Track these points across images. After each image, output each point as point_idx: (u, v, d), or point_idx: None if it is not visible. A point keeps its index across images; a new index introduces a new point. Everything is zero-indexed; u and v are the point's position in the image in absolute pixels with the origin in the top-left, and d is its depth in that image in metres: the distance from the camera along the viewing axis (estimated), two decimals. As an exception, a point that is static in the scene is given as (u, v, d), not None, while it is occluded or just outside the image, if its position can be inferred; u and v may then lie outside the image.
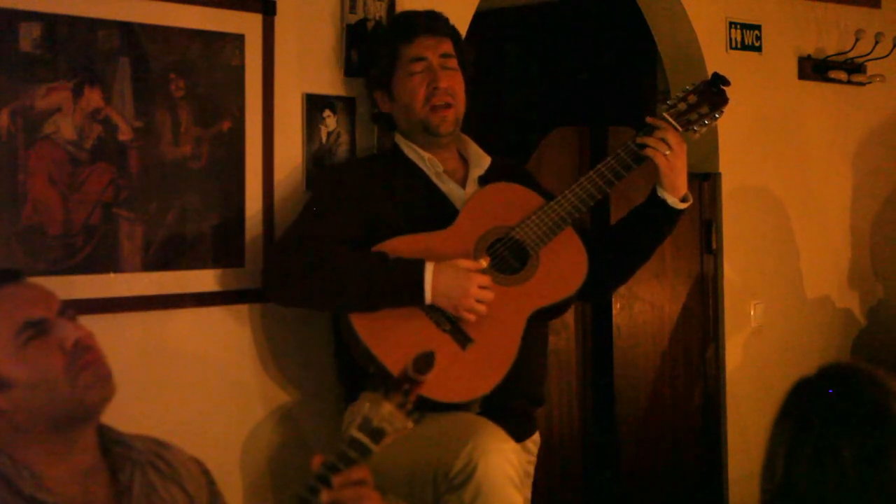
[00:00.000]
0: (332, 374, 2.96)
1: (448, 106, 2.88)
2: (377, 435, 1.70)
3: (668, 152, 2.81)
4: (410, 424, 1.73)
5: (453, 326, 2.70)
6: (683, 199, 2.88)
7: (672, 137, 2.81)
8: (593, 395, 3.88)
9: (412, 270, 2.66)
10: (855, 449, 1.55)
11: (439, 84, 2.88)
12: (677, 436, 3.99)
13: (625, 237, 2.99)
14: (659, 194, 2.87)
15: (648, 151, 2.81)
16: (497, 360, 2.71)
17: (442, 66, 2.90)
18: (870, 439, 1.55)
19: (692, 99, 2.87)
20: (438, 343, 2.67)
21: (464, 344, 2.70)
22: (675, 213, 2.89)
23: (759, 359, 4.06)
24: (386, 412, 1.71)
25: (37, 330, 1.79)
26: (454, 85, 2.91)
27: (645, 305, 3.92)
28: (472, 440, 2.50)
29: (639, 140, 2.82)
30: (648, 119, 2.85)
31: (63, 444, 1.81)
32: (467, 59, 2.98)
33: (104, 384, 1.84)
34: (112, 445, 1.88)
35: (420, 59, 2.89)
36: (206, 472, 2.01)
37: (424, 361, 1.76)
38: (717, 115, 2.89)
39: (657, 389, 3.95)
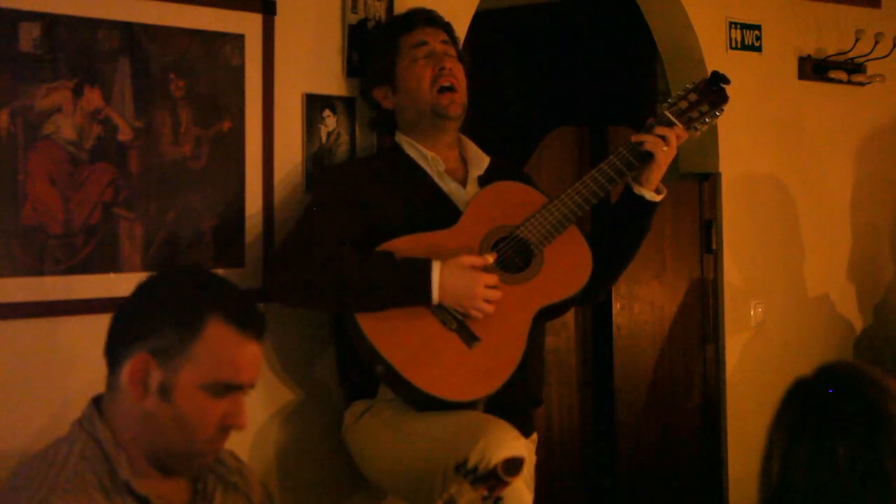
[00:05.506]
0: (334, 372, 2.96)
1: (453, 89, 2.89)
2: None
3: (666, 148, 2.82)
4: None
5: (459, 325, 2.69)
6: (657, 191, 2.89)
7: (672, 134, 2.82)
8: (593, 395, 3.88)
9: (419, 270, 2.65)
10: (850, 449, 1.55)
11: (445, 64, 2.89)
12: (677, 436, 3.99)
13: (607, 239, 2.97)
14: (636, 192, 2.88)
15: (651, 147, 2.81)
16: (503, 358, 2.71)
17: (444, 52, 2.92)
18: (865, 439, 1.55)
19: (693, 97, 2.89)
20: (444, 341, 2.67)
21: (470, 343, 2.69)
22: (654, 207, 2.90)
23: (759, 359, 4.06)
24: (471, 499, 1.84)
25: (222, 392, 1.82)
26: (457, 70, 2.92)
27: (645, 305, 3.92)
28: (484, 437, 2.49)
29: (642, 137, 2.83)
30: (657, 120, 2.86)
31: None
32: (462, 55, 3.00)
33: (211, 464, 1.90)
34: None
35: (422, 43, 2.91)
36: (270, 497, 2.05)
37: (514, 466, 1.90)
38: (717, 113, 2.90)
39: (657, 390, 3.95)
